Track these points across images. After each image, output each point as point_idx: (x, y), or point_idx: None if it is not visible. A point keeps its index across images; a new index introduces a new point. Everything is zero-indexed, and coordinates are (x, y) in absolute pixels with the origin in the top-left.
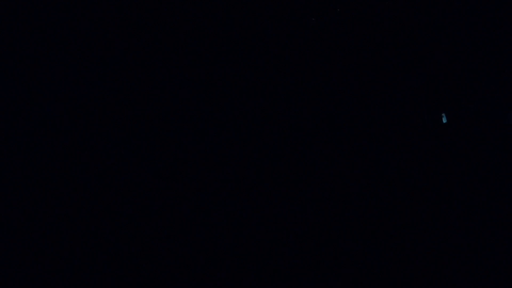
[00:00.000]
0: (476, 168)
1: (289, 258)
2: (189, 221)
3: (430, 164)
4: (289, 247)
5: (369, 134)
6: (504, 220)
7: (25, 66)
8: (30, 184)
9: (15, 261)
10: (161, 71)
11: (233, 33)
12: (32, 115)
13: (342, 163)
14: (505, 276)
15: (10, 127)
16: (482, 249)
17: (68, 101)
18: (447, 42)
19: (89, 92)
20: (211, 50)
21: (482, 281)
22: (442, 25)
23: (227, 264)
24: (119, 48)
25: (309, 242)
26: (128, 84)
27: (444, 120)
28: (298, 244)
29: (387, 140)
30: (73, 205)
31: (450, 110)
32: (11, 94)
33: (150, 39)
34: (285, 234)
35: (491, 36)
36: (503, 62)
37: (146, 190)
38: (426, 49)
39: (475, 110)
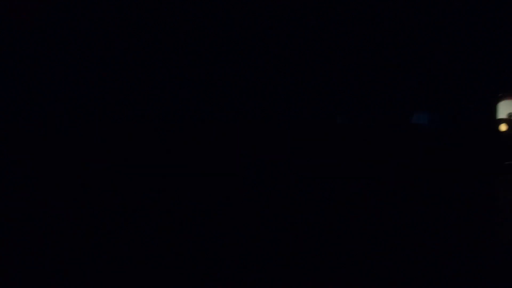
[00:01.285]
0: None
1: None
2: (189, 221)
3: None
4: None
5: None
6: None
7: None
8: (30, 184)
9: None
10: (161, 71)
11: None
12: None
13: (342, 163)
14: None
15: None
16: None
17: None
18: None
19: (89, 92)
20: (211, 50)
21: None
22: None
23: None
24: (119, 48)
25: (309, 242)
26: (128, 84)
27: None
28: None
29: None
30: (73, 205)
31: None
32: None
33: (150, 39)
34: (285, 234)
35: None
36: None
37: (146, 190)
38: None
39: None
